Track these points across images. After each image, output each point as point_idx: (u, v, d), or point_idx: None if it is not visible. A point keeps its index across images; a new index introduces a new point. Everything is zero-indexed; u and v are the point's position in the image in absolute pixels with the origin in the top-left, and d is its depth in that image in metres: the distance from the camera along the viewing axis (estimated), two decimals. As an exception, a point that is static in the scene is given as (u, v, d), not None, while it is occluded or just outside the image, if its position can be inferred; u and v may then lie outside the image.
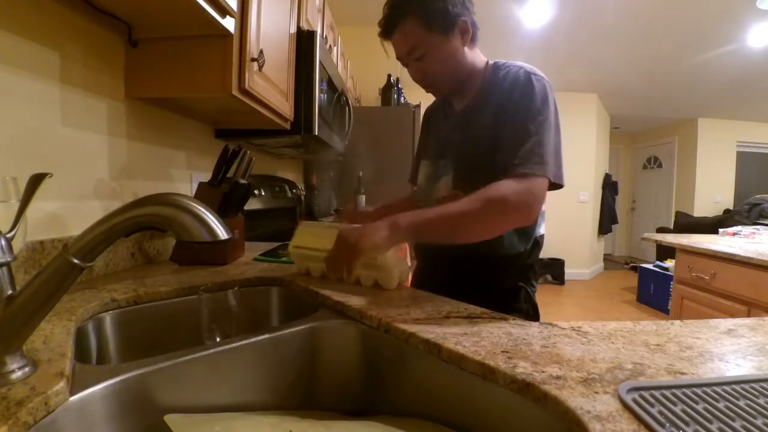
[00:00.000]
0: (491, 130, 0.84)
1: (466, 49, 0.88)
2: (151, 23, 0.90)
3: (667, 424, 0.35)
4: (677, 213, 5.54)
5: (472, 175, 0.87)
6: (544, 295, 4.39)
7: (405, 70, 0.92)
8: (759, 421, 0.36)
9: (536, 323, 0.60)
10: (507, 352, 0.50)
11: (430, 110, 1.09)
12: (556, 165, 0.79)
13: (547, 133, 0.79)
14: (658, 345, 0.53)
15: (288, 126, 1.38)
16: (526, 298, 0.92)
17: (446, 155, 0.94)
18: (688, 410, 0.37)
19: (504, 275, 0.91)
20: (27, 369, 0.42)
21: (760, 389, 0.41)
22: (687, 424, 0.35)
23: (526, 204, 0.75)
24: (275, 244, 1.37)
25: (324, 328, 0.66)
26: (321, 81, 1.47)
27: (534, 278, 0.95)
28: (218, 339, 0.70)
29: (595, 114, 5.21)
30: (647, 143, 6.92)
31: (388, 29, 0.85)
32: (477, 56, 0.91)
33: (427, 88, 0.92)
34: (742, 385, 0.42)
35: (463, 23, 0.84)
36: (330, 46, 2.05)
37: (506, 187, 0.74)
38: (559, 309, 3.93)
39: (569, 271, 5.04)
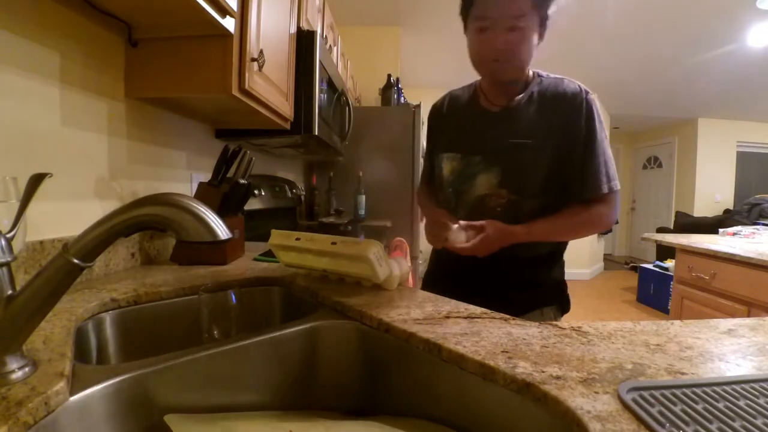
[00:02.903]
0: (552, 136, 0.90)
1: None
2: (151, 23, 0.90)
3: (667, 424, 0.35)
4: (677, 213, 5.53)
5: (519, 174, 0.93)
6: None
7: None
8: (759, 421, 0.36)
9: (536, 323, 0.60)
10: (507, 352, 0.50)
11: (447, 106, 1.08)
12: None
13: (609, 149, 0.93)
14: (658, 345, 0.53)
15: (288, 126, 1.37)
16: (562, 292, 1.01)
17: (483, 152, 0.96)
18: (688, 410, 0.37)
19: (549, 270, 1.00)
20: (27, 369, 0.42)
21: (760, 389, 0.41)
22: (687, 424, 0.35)
23: (612, 219, 0.93)
24: (275, 244, 1.36)
25: (324, 328, 0.66)
26: (321, 81, 1.47)
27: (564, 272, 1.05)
28: (218, 339, 0.70)
29: (595, 114, 5.20)
30: (647, 143, 6.92)
31: None
32: None
33: (494, 63, 0.89)
34: (742, 385, 0.42)
35: (546, 25, 0.89)
36: (330, 46, 2.05)
37: (600, 212, 0.92)
38: (559, 309, 3.92)
39: (569, 271, 4.94)
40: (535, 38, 0.87)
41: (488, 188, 0.95)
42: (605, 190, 0.89)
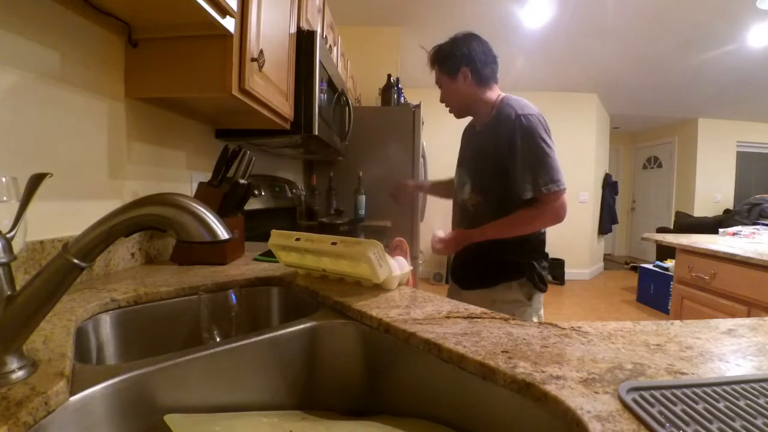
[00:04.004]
0: (495, 151, 1.17)
1: (474, 87, 1.23)
2: (151, 23, 0.90)
3: (667, 424, 0.35)
4: (677, 213, 5.53)
5: (482, 182, 1.23)
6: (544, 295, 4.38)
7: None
8: (759, 421, 0.36)
9: (536, 323, 0.60)
10: (507, 352, 0.50)
11: (465, 130, 1.42)
12: (562, 176, 1.12)
13: (552, 157, 1.11)
14: (658, 345, 0.53)
15: (288, 126, 1.37)
16: (531, 270, 1.20)
17: (464, 165, 1.31)
18: (688, 410, 0.37)
19: (511, 253, 1.20)
20: (27, 369, 0.42)
21: (760, 389, 0.41)
22: (687, 424, 0.35)
23: (558, 215, 1.13)
24: (275, 244, 1.36)
25: (324, 328, 0.66)
26: (321, 81, 1.46)
27: (542, 257, 1.25)
28: (218, 339, 0.70)
29: (595, 114, 5.20)
30: (647, 143, 6.91)
31: (430, 66, 1.30)
32: (489, 91, 1.24)
33: (448, 108, 1.31)
34: (742, 385, 0.42)
35: (464, 70, 1.22)
36: (330, 46, 2.05)
37: (542, 210, 1.13)
38: (559, 309, 3.93)
39: (569, 271, 5.04)
40: (455, 86, 1.24)
41: (467, 194, 1.27)
42: (529, 195, 1.11)
